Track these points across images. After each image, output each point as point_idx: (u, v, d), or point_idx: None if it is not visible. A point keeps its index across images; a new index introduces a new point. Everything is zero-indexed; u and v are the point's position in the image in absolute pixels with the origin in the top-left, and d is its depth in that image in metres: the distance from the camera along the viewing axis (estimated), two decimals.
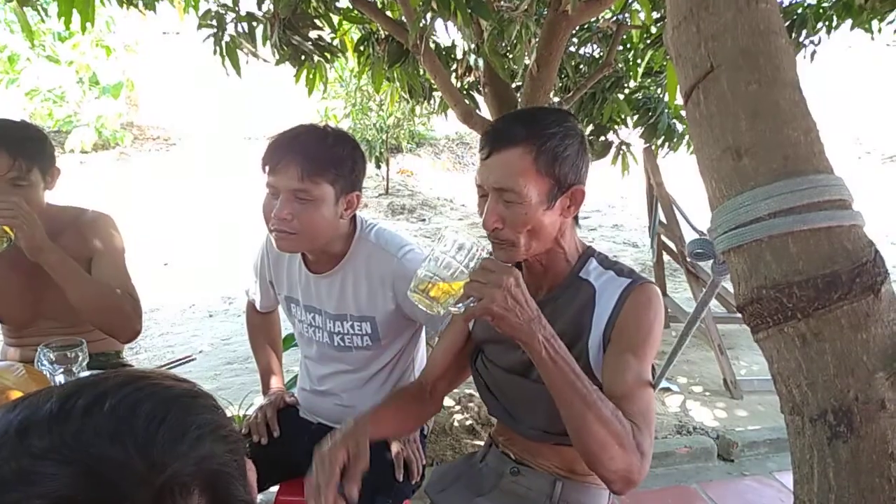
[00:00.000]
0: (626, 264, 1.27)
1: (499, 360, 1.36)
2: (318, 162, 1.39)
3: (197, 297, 5.46)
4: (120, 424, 0.43)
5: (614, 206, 10.19)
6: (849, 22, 3.51)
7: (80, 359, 1.41)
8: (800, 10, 3.47)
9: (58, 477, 0.39)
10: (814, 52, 3.65)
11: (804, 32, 3.51)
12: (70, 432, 0.41)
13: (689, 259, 3.90)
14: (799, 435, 0.80)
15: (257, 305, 1.87)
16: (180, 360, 2.93)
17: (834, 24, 3.55)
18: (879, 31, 3.66)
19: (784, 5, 3.50)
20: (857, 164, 12.60)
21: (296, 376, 2.26)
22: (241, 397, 3.04)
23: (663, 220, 4.24)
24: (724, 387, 3.63)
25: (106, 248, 1.80)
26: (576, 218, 1.28)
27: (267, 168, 1.42)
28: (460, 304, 1.03)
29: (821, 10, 3.52)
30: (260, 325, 1.94)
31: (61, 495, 0.39)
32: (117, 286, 1.73)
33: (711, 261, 0.95)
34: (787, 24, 3.38)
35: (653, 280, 1.20)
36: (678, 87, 0.91)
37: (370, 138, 9.07)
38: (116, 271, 1.78)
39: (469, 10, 2.43)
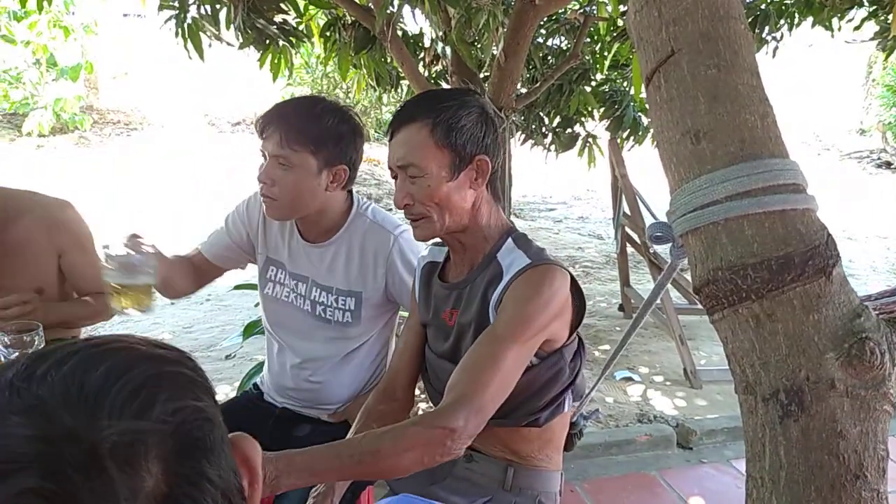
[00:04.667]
0: (539, 246, 1.26)
1: (433, 345, 1.39)
2: (299, 130, 1.43)
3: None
4: (72, 383, 0.42)
5: (580, 198, 10.28)
6: (810, 19, 3.59)
7: (37, 343, 1.38)
8: (763, 6, 3.52)
9: (10, 437, 0.39)
10: (776, 49, 3.72)
11: (766, 29, 3.57)
12: (29, 392, 0.41)
13: (648, 243, 3.95)
14: (752, 414, 0.81)
15: (201, 245, 1.76)
16: None
17: (796, 21, 3.62)
18: (839, 28, 3.75)
19: (747, 1, 3.56)
20: (816, 160, 12.91)
21: (260, 364, 2.24)
22: None
23: (627, 211, 4.29)
24: (683, 376, 3.69)
25: (75, 241, 1.77)
26: (495, 195, 1.30)
27: (259, 133, 1.48)
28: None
29: (783, 7, 3.59)
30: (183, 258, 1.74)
31: (12, 455, 0.38)
32: (91, 281, 1.77)
33: (670, 244, 0.96)
34: (751, 20, 3.44)
35: (558, 263, 1.20)
36: (640, 71, 0.91)
37: None
38: (90, 266, 1.77)
39: None
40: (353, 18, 3.34)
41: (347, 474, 1.08)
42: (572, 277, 1.23)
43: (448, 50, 3.41)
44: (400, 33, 3.46)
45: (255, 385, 1.86)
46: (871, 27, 3.91)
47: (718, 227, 0.80)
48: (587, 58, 4.17)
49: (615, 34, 3.80)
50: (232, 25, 3.04)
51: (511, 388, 1.15)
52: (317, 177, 1.48)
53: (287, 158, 1.43)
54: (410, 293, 1.52)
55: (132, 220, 7.01)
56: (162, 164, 9.18)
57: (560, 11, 3.83)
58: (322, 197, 1.52)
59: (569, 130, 4.73)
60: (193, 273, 1.72)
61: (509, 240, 1.27)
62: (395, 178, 1.26)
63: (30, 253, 1.71)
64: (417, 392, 3.21)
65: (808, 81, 14.79)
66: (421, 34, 4.00)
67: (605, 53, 4.14)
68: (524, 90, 3.91)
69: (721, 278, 0.79)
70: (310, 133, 1.44)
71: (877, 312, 0.84)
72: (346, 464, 1.03)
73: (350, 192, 1.64)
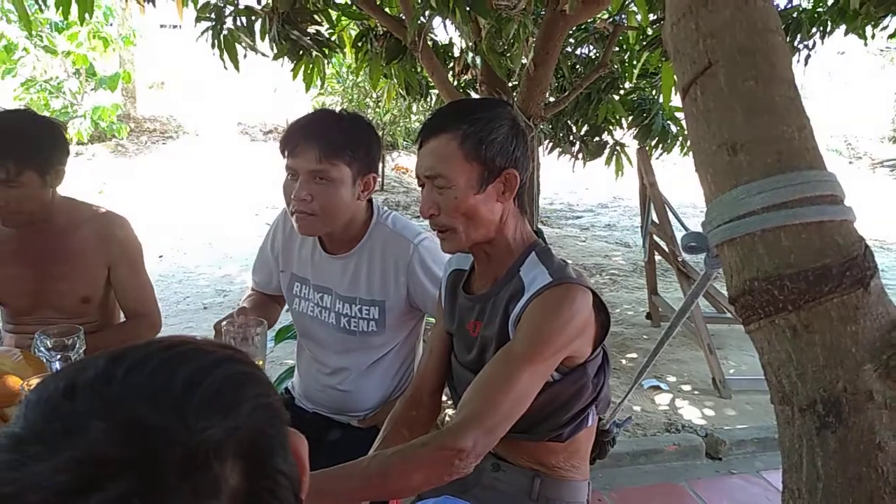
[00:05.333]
0: (563, 261, 1.25)
1: (459, 355, 1.39)
2: (334, 143, 1.45)
3: (191, 290, 5.46)
4: (157, 386, 0.43)
5: (607, 206, 10.23)
6: (843, 27, 3.55)
7: (78, 346, 1.42)
8: (795, 15, 3.50)
9: (95, 434, 0.40)
10: (808, 57, 3.69)
11: (799, 37, 3.54)
12: (111, 394, 0.43)
13: (682, 253, 3.93)
14: (788, 425, 0.81)
15: (253, 282, 1.88)
16: None
17: (828, 29, 3.59)
18: (873, 36, 3.70)
19: (780, 9, 3.53)
20: (847, 168, 12.69)
21: (291, 368, 2.27)
22: None
23: (655, 220, 4.27)
24: (712, 386, 3.66)
25: (126, 256, 1.84)
26: (522, 208, 1.29)
27: (286, 151, 1.49)
28: None
29: (816, 15, 3.55)
30: (259, 301, 1.86)
31: (97, 452, 0.39)
32: (136, 298, 1.86)
33: (704, 254, 0.97)
34: (783, 28, 3.40)
35: (584, 283, 1.19)
36: (676, 82, 0.92)
37: None
38: (136, 282, 1.87)
39: (467, 8, 2.45)
40: (384, 29, 3.39)
41: (358, 496, 1.09)
42: (595, 293, 1.22)
43: (478, 60, 3.44)
44: (430, 43, 3.50)
45: (287, 390, 1.89)
46: None
47: (755, 238, 0.80)
48: (616, 66, 4.17)
49: (644, 43, 3.80)
50: (266, 36, 3.10)
51: (525, 407, 1.14)
52: (352, 187, 1.50)
53: (326, 173, 1.45)
54: (436, 301, 1.53)
55: (169, 227, 7.16)
56: (197, 171, 9.36)
57: (589, 21, 3.84)
58: (353, 207, 1.54)
59: (597, 139, 4.74)
60: (272, 304, 1.84)
61: (532, 254, 1.26)
62: (422, 186, 1.26)
63: (83, 262, 1.77)
64: (444, 398, 3.23)
65: (840, 89, 14.55)
66: (451, 44, 4.04)
67: (635, 62, 4.14)
68: (553, 99, 3.92)
69: (757, 289, 0.80)
70: (345, 144, 1.46)
71: None
72: (357, 485, 1.06)
73: (370, 200, 1.65)
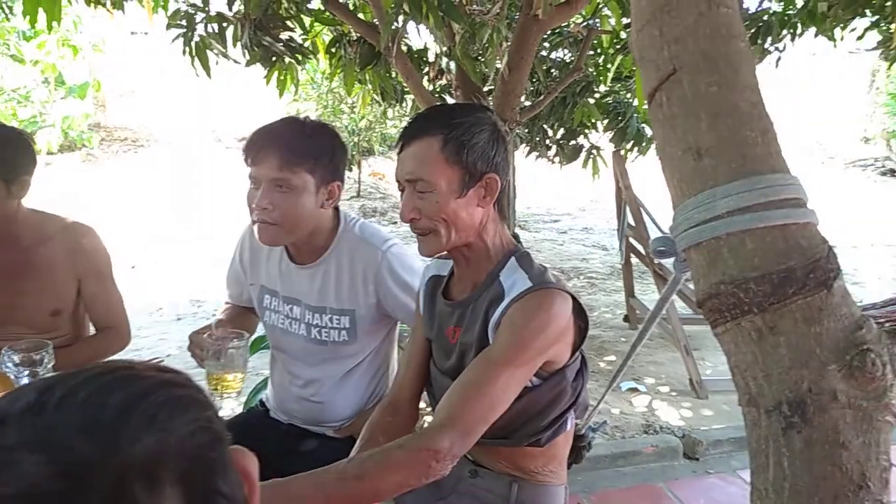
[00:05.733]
0: (542, 266, 1.26)
1: (438, 362, 1.38)
2: (296, 151, 1.43)
3: (165, 301, 5.39)
4: (90, 415, 0.42)
5: (584, 209, 10.30)
6: (813, 30, 3.61)
7: (46, 361, 1.40)
8: (766, 17, 3.55)
9: (27, 467, 0.39)
10: (779, 59, 3.75)
11: (769, 39, 3.60)
12: (43, 424, 0.41)
13: (653, 257, 3.96)
14: (755, 426, 0.82)
15: (227, 295, 1.86)
16: None
17: (798, 31, 3.65)
18: (842, 38, 3.77)
19: (750, 12, 3.58)
20: (820, 169, 12.91)
21: (265, 379, 2.25)
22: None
23: (631, 222, 4.30)
24: (689, 387, 3.69)
25: (94, 267, 1.81)
26: (502, 213, 1.29)
27: (248, 160, 1.46)
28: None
29: (786, 18, 3.61)
30: (235, 313, 1.85)
31: (28, 484, 0.38)
32: (105, 310, 1.84)
33: (674, 258, 0.98)
34: (753, 30, 3.46)
35: (564, 288, 1.20)
36: (643, 89, 0.93)
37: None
38: (105, 294, 1.84)
39: (441, 14, 2.45)
40: (358, 35, 3.38)
41: (335, 499, 1.08)
42: (574, 298, 1.22)
43: (452, 65, 3.44)
44: (405, 49, 3.50)
45: (261, 401, 1.88)
46: (874, 36, 3.93)
47: (720, 242, 0.81)
48: (590, 70, 4.20)
49: (618, 47, 3.83)
50: (239, 43, 3.08)
51: (502, 410, 1.15)
52: (315, 196, 1.48)
53: (288, 181, 1.42)
54: (407, 307, 1.53)
55: (142, 237, 7.07)
56: (169, 180, 9.25)
57: (563, 25, 3.86)
58: (317, 216, 1.52)
59: (573, 142, 4.76)
60: (249, 315, 1.82)
61: (512, 259, 1.26)
62: (402, 190, 1.25)
63: (52, 276, 1.75)
64: (423, 405, 3.22)
65: (812, 90, 14.83)
66: (425, 49, 4.04)
67: (609, 66, 4.17)
68: (528, 103, 3.94)
69: (723, 292, 0.81)
70: (307, 152, 1.44)
71: (883, 321, 0.85)
72: (332, 489, 1.05)
73: (337, 208, 1.63)
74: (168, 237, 7.25)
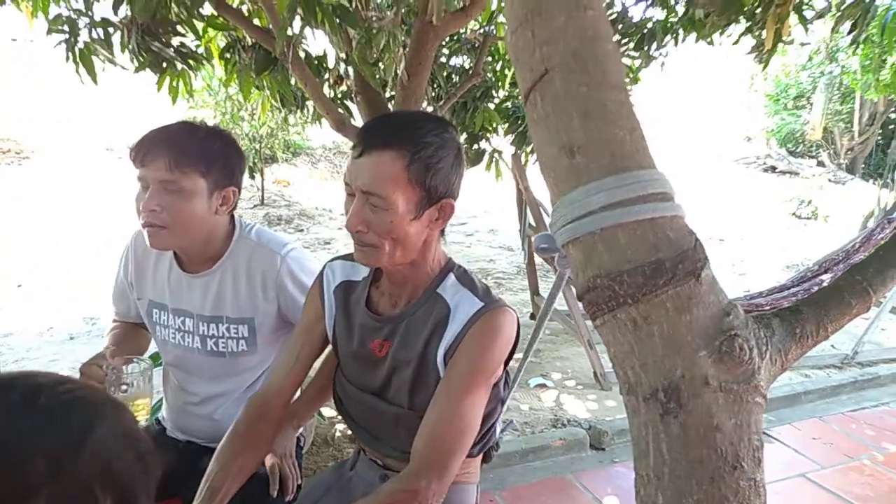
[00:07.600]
0: (483, 282, 1.27)
1: (354, 377, 1.34)
2: (187, 152, 1.38)
3: (56, 319, 5.05)
4: (46, 426, 0.44)
5: (490, 211, 10.45)
6: (693, 35, 3.82)
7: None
8: (650, 25, 3.73)
9: None
10: (663, 64, 3.94)
11: (654, 45, 3.78)
12: None
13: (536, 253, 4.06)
14: (635, 414, 0.85)
15: (114, 313, 1.77)
16: None
17: (681, 37, 3.85)
18: (721, 43, 4.01)
19: (635, 21, 3.75)
20: (707, 167, 13.67)
21: (161, 398, 2.15)
22: None
23: (532, 223, 4.40)
24: (594, 379, 3.81)
25: None
26: (442, 230, 1.27)
27: (137, 161, 1.40)
28: None
29: (668, 25, 3.80)
30: (125, 333, 1.75)
31: None
32: None
33: (556, 254, 1.00)
34: (638, 38, 3.62)
35: (506, 304, 1.22)
36: (520, 89, 0.95)
37: (243, 148, 8.79)
38: None
39: (337, 19, 2.42)
40: (253, 40, 3.29)
41: None
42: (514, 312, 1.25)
43: (351, 70, 3.41)
44: (303, 54, 3.43)
45: (158, 420, 1.79)
46: (749, 42, 4.21)
47: (595, 237, 0.83)
48: (489, 76, 4.27)
49: None
50: (126, 49, 2.93)
51: (473, 435, 1.18)
52: (207, 201, 1.44)
53: (177, 183, 1.38)
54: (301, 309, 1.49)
55: (28, 254, 6.60)
56: (58, 192, 8.69)
57: (461, 31, 3.91)
58: (211, 222, 1.47)
59: (475, 146, 4.82)
60: (139, 332, 1.74)
61: (451, 276, 1.25)
62: (350, 195, 1.17)
63: None
64: (333, 413, 3.16)
65: (697, 92, 15.75)
66: (325, 55, 3.98)
67: (506, 72, 4.26)
68: (430, 108, 3.96)
69: (600, 285, 0.83)
70: (199, 155, 1.40)
71: (769, 308, 0.90)
72: None
73: (232, 215, 1.58)
74: (57, 253, 6.80)
